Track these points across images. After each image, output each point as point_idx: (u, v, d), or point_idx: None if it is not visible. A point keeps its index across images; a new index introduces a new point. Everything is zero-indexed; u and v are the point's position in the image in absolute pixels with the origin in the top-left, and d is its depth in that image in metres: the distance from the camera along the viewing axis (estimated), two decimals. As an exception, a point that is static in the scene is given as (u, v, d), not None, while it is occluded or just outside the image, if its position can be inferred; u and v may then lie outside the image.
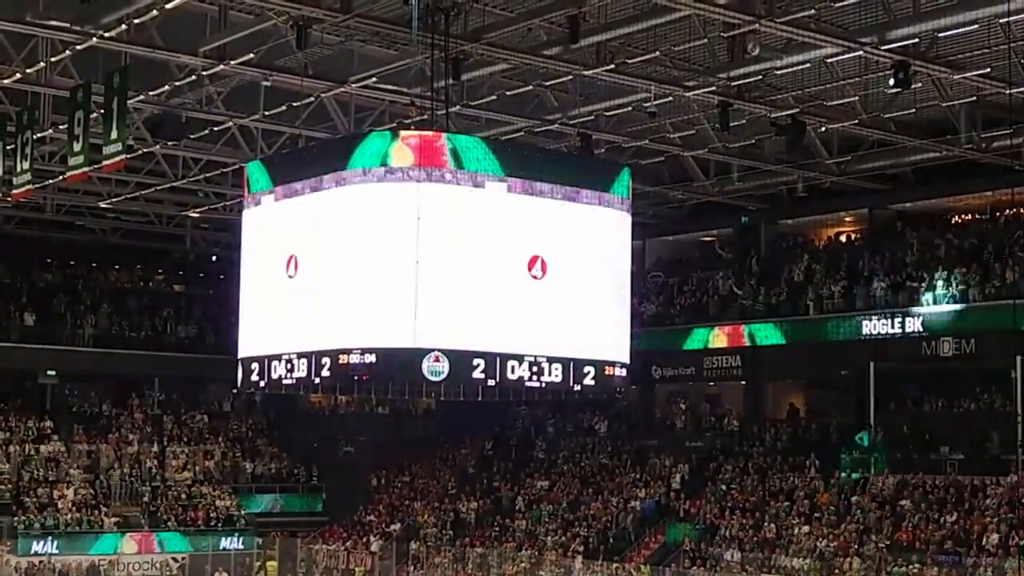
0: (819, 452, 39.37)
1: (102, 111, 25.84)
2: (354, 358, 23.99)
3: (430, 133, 24.84)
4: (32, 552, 41.97)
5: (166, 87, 29.81)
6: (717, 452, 42.37)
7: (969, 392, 37.89)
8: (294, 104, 30.90)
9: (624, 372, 26.36)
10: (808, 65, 27.81)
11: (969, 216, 41.16)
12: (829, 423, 41.24)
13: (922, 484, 36.00)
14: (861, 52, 26.33)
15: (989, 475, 35.08)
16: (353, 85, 29.48)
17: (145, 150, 34.86)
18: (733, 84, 29.05)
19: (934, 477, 36.16)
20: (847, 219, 43.87)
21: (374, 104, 32.32)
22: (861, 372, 39.47)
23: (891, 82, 26.72)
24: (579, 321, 25.33)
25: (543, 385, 25.05)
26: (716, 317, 43.01)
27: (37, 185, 32.22)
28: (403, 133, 24.70)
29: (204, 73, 28.63)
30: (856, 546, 34.60)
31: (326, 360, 24.52)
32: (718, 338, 42.63)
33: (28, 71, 28.43)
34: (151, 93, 30.08)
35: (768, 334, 41.21)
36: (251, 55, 27.44)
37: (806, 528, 36.21)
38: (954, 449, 36.65)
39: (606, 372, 25.92)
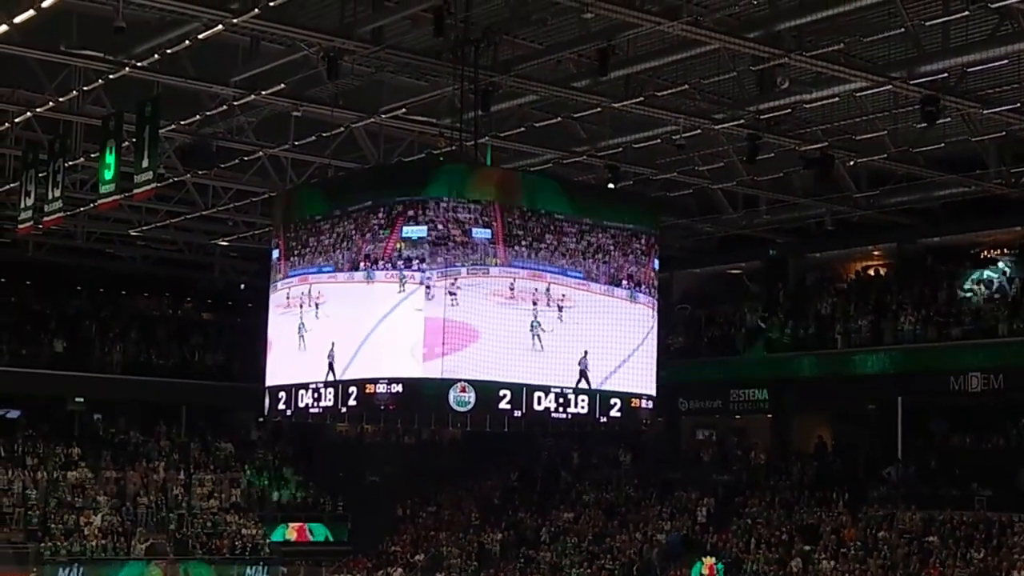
0: (846, 486, 39.13)
1: (134, 140, 25.99)
2: (381, 388, 24.07)
3: (509, 171, 25.57)
4: (58, 579, 42.08)
5: (197, 117, 29.94)
6: (743, 485, 42.16)
7: (998, 427, 37.62)
8: (324, 134, 31.02)
9: (650, 404, 26.38)
10: (837, 99, 27.76)
11: (998, 251, 40.95)
12: (856, 457, 40.99)
13: (950, 520, 35.71)
14: (890, 86, 26.28)
15: (1017, 511, 34.77)
16: (383, 116, 29.57)
17: (176, 179, 34.99)
18: (762, 117, 29.01)
19: (962, 513, 35.86)
20: (875, 253, 43.70)
21: (403, 135, 32.41)
22: (889, 406, 39.25)
23: (920, 118, 26.70)
24: (606, 353, 25.43)
25: (569, 416, 25.11)
26: (742, 351, 42.82)
27: (68, 213, 32.39)
28: (483, 167, 25.42)
29: (235, 103, 28.77)
30: (883, 582, 34.36)
31: (353, 389, 24.64)
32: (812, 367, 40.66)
33: (61, 100, 28.62)
34: (182, 122, 30.23)
35: (873, 361, 38.90)
36: (282, 85, 27.57)
37: (832, 564, 35.95)
38: (982, 485, 36.37)
39: (632, 404, 25.95)
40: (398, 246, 23.89)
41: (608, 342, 25.86)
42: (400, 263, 23.87)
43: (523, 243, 24.96)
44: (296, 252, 26.48)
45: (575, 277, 25.54)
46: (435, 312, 23.78)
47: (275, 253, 27.28)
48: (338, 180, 31.24)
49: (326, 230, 25.72)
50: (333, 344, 24.92)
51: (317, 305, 25.36)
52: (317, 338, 25.65)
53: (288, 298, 26.51)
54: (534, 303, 24.88)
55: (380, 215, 24.38)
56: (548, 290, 25.10)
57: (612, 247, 26.09)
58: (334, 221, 25.46)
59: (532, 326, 24.54)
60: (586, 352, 25.47)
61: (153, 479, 47.74)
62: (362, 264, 24.53)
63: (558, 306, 25.26)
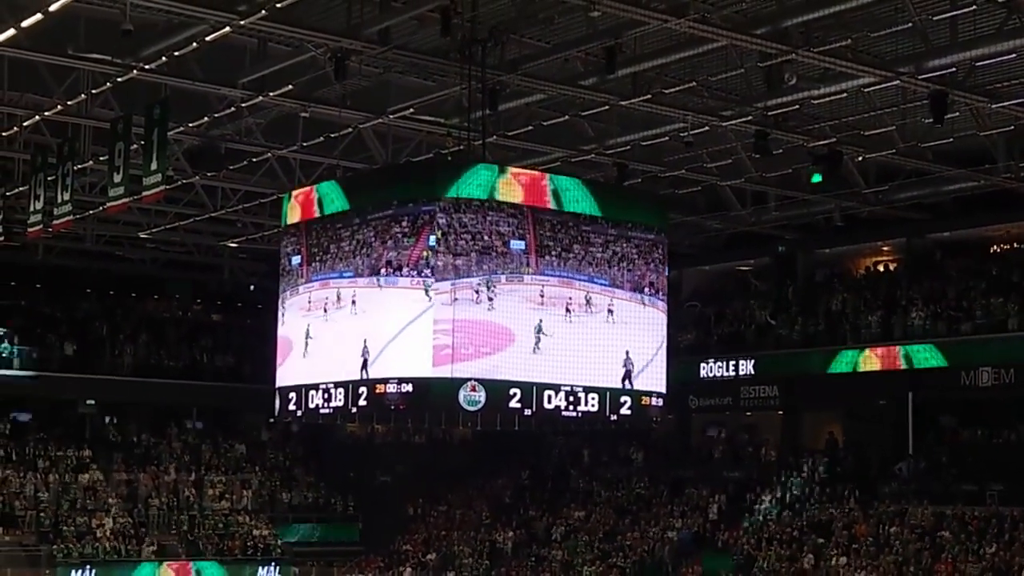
0: (857, 482, 39.09)
1: (142, 142, 26.03)
2: (391, 388, 24.09)
3: (536, 172, 25.63)
4: (70, 581, 42.16)
5: (205, 119, 29.97)
6: (754, 482, 42.13)
7: (1009, 422, 37.56)
8: (332, 135, 31.05)
9: (661, 402, 26.38)
10: (845, 95, 27.70)
11: (1008, 245, 40.88)
12: (867, 453, 40.95)
13: (961, 515, 35.66)
14: (898, 81, 26.24)
15: (1029, 506, 34.78)
16: (391, 116, 29.58)
17: (184, 181, 35.03)
18: (770, 114, 28.99)
19: (973, 508, 35.82)
20: (884, 249, 43.65)
21: (411, 135, 32.43)
22: (899, 402, 39.21)
23: (929, 113, 26.67)
24: (616, 351, 25.47)
25: (579, 415, 25.12)
26: (753, 347, 42.75)
27: (77, 216, 32.45)
28: (512, 169, 25.42)
29: (243, 105, 28.78)
30: (895, 578, 34.32)
31: (363, 389, 24.64)
32: (869, 360, 39.19)
33: (69, 103, 28.69)
34: (191, 125, 30.27)
35: (928, 356, 37.79)
36: (290, 87, 27.59)
37: (844, 560, 35.91)
38: (994, 480, 36.31)
39: (643, 402, 25.95)
40: (424, 254, 23.96)
41: (638, 345, 26.06)
42: (427, 271, 23.92)
43: (553, 253, 25.16)
44: (318, 258, 26.49)
45: (601, 284, 25.75)
46: (466, 314, 23.95)
47: (296, 259, 27.11)
48: (359, 178, 30.90)
49: (346, 237, 25.74)
50: (366, 341, 24.93)
51: (354, 302, 25.29)
52: (339, 339, 25.62)
53: (310, 301, 26.49)
54: (567, 310, 25.22)
55: (404, 223, 24.41)
56: (588, 298, 25.52)
57: (636, 256, 26.34)
58: (354, 228, 25.47)
59: (537, 328, 24.58)
60: (628, 352, 25.84)
61: (164, 481, 47.79)
62: (383, 270, 24.55)
63: (608, 309, 25.79)
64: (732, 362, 42.18)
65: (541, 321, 24.76)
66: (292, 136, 31.62)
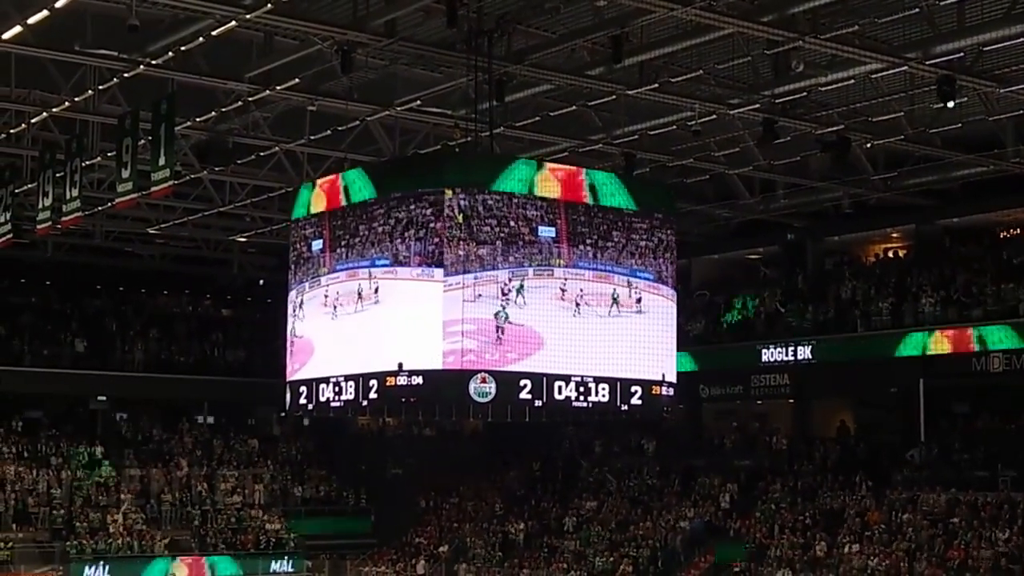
0: (869, 470, 39.06)
1: (150, 138, 26.04)
2: (401, 380, 24.08)
3: (573, 168, 25.64)
4: (84, 576, 42.28)
5: (213, 113, 29.97)
6: (766, 471, 42.12)
7: (1021, 408, 37.47)
8: (339, 128, 31.02)
9: (671, 391, 26.37)
10: (853, 81, 27.62)
11: (1017, 230, 40.77)
12: (879, 440, 40.89)
13: (974, 501, 35.62)
14: (906, 67, 26.16)
15: (1042, 492, 34.74)
16: (398, 108, 29.57)
17: (192, 176, 35.06)
18: (777, 101, 28.94)
19: (986, 494, 35.78)
20: (894, 235, 43.57)
21: (419, 127, 32.41)
22: (910, 389, 39.15)
23: (937, 98, 26.59)
24: (627, 341, 25.44)
25: (590, 405, 25.11)
26: (763, 335, 42.70)
27: (86, 212, 32.38)
28: (549, 164, 25.40)
29: (250, 99, 28.77)
30: (907, 565, 34.26)
31: (373, 382, 24.65)
32: (940, 343, 37.72)
33: (76, 99, 28.68)
34: (198, 119, 30.27)
35: (1003, 337, 36.39)
36: (296, 80, 27.58)
37: (856, 547, 35.90)
38: (1006, 466, 36.25)
39: (653, 391, 25.95)
40: (446, 236, 23.81)
41: (655, 334, 26.09)
42: (448, 261, 23.77)
43: (588, 241, 25.06)
44: (344, 243, 26.08)
45: (645, 279, 25.70)
46: (489, 315, 23.91)
47: (317, 244, 26.82)
48: (386, 166, 30.42)
49: (372, 224, 25.40)
50: (381, 333, 24.83)
51: (376, 290, 25.07)
52: (356, 331, 25.55)
53: (335, 295, 26.20)
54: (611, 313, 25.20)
55: (429, 212, 24.22)
56: (616, 295, 25.43)
57: (674, 244, 26.47)
58: (381, 216, 25.12)
59: (497, 315, 24.30)
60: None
61: (176, 476, 47.87)
62: (404, 259, 24.40)
63: (636, 300, 25.69)
64: (791, 347, 41.49)
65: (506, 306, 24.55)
66: (299, 130, 31.60)
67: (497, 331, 24.02)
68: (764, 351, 41.99)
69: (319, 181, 27.75)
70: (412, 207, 24.44)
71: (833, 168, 35.04)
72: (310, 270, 26.97)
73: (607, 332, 25.35)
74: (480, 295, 23.90)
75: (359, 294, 25.32)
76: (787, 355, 41.41)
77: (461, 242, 23.90)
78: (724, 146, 34.06)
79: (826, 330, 40.92)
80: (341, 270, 25.96)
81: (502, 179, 24.42)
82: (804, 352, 41.02)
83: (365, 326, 25.22)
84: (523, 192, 24.46)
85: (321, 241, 26.61)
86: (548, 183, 24.89)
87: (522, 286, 24.18)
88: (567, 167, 26.38)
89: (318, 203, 27.00)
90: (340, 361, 25.79)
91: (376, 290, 25.02)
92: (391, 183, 25.42)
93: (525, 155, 30.98)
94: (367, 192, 25.59)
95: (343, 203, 26.19)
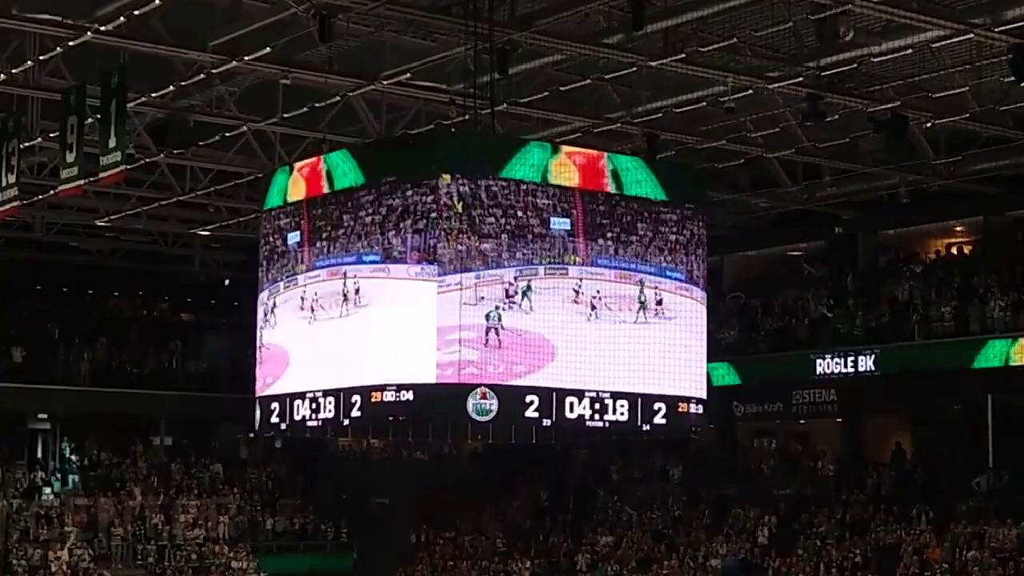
0: (929, 500, 39.06)
1: (98, 116, 26.06)
2: (388, 396, 24.14)
3: (594, 152, 25.63)
4: (21, 623, 42.34)
5: (171, 88, 29.99)
6: (810, 501, 42.11)
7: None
8: (317, 105, 31.04)
9: (700, 409, 26.40)
10: (910, 51, 27.66)
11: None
12: (941, 466, 40.90)
13: (1050, 536, 35.69)
14: (972, 35, 26.17)
15: None
16: (384, 82, 29.60)
17: (147, 160, 35.10)
18: (823, 74, 28.94)
19: (1064, 528, 35.83)
20: (958, 228, 43.60)
21: (408, 103, 32.46)
22: (977, 406, 39.13)
23: (1008, 71, 26.59)
24: (650, 351, 25.48)
25: (607, 425, 25.14)
26: (808, 343, 42.67)
27: (25, 202, 32.45)
28: (566, 148, 25.44)
29: (214, 71, 28.80)
30: (974, 609, 34.35)
31: (356, 398, 24.69)
32: (1020, 353, 37.04)
33: (14, 71, 28.69)
34: (154, 95, 30.28)
35: None
36: (267, 50, 27.60)
37: (915, 589, 35.98)
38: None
39: (679, 409, 25.98)
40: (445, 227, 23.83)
41: (682, 343, 26.18)
42: (446, 257, 23.78)
43: (609, 235, 25.05)
44: (326, 235, 26.08)
45: (675, 279, 25.74)
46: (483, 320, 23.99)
47: (294, 237, 26.89)
48: (376, 147, 30.28)
49: (359, 215, 25.37)
50: (365, 341, 24.85)
51: (358, 291, 25.02)
52: (337, 339, 25.56)
53: (304, 298, 26.21)
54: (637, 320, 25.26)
55: (428, 201, 24.20)
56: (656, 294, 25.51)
57: (705, 239, 26.53)
58: (382, 191, 25.02)
59: (489, 316, 24.26)
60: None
61: (129, 506, 47.87)
62: (397, 256, 24.34)
63: (656, 301, 25.79)
64: (850, 357, 40.93)
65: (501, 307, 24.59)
66: (271, 107, 31.63)
67: (488, 335, 23.99)
68: (819, 361, 41.69)
69: (297, 165, 27.81)
70: (409, 193, 24.42)
71: (888, 151, 35.05)
72: (285, 267, 26.99)
73: (627, 340, 25.42)
74: (482, 297, 23.92)
75: (343, 295, 25.35)
76: (846, 366, 41.07)
77: (460, 235, 23.92)
78: (762, 126, 34.09)
79: (880, 338, 40.90)
80: (322, 267, 25.96)
81: (512, 165, 24.44)
82: (866, 363, 40.46)
83: (348, 333, 25.27)
84: (536, 180, 24.48)
85: (299, 233, 26.60)
86: (564, 169, 24.94)
87: (529, 287, 24.20)
88: (586, 151, 26.42)
89: (296, 190, 27.01)
90: (318, 373, 25.83)
91: (358, 291, 25.05)
92: (382, 167, 25.42)
93: (534, 136, 31.02)
94: (353, 177, 25.61)
95: (325, 189, 26.22)
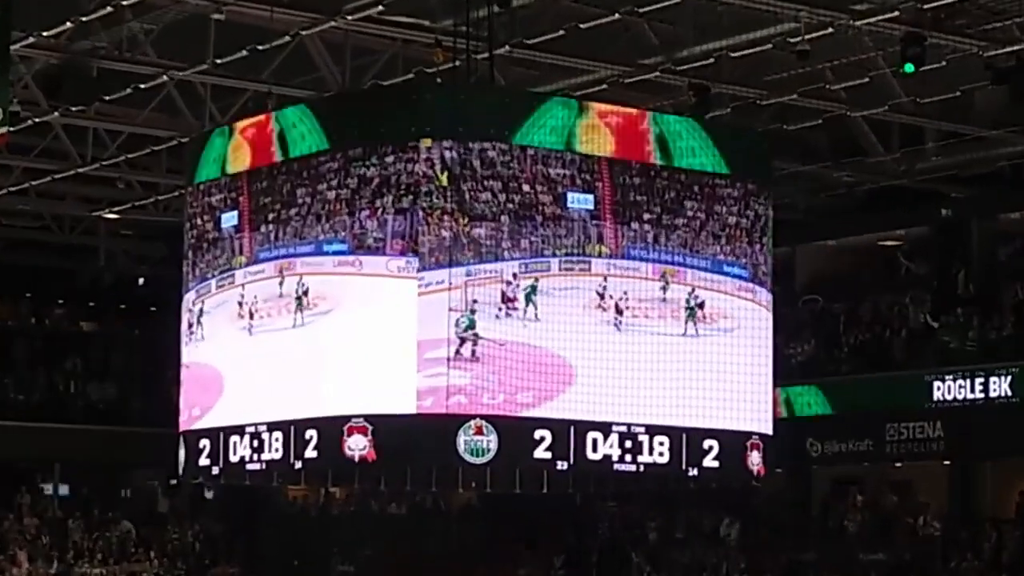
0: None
1: (-28, 62, 26.14)
2: (354, 431, 24.14)
3: (634, 111, 25.49)
4: None
5: (68, 24, 30.07)
6: (908, 569, 42.17)
7: None
8: (260, 47, 31.08)
9: (763, 448, 26.41)
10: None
11: None
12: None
13: None
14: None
15: None
16: (349, 17, 29.64)
17: (37, 119, 35.16)
18: (925, 7, 28.98)
19: None
20: (1103, 211, 43.78)
21: (380, 46, 32.50)
22: None
23: None
24: (697, 373, 25.46)
25: (641, 469, 25.14)
26: (904, 362, 42.73)
27: None
28: (597, 106, 25.22)
29: (124, 2, 28.87)
30: None
31: (312, 434, 24.68)
32: None
33: None
34: (46, 34, 30.36)
35: None
36: (194, -26, 27.74)
37: None
38: None
39: (737, 449, 25.98)
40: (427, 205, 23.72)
41: (743, 366, 26.16)
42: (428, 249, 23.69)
43: (647, 217, 25.05)
44: (273, 216, 25.55)
45: (737, 276, 25.73)
46: (492, 331, 23.88)
47: (228, 218, 26.28)
48: (345, 101, 29.87)
49: (331, 174, 24.76)
50: (324, 359, 24.82)
51: (306, 292, 24.94)
52: (285, 356, 25.57)
53: (241, 302, 26.09)
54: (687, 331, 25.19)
55: (410, 171, 23.95)
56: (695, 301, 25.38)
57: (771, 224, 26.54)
58: (350, 159, 24.46)
59: (458, 324, 24.11)
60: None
61: (13, 575, 48.01)
62: (395, 245, 24.14)
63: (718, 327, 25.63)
64: (979, 378, 40.54)
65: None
66: (199, 50, 31.71)
67: (461, 349, 23.91)
68: (936, 384, 41.87)
69: (239, 125, 27.40)
70: (390, 160, 24.14)
71: (1011, 109, 35.08)
72: (217, 260, 26.70)
73: (669, 358, 25.38)
74: (475, 301, 23.87)
75: (296, 298, 25.21)
76: (973, 391, 41.18)
77: (444, 217, 23.80)
78: (845, 75, 34.12)
79: (997, 354, 40.92)
80: (267, 259, 25.77)
81: (527, 129, 24.31)
82: (1000, 386, 40.31)
83: (302, 348, 25.24)
84: (559, 148, 24.34)
85: (236, 214, 26.27)
86: (596, 135, 24.69)
87: (534, 288, 24.10)
88: (624, 109, 26.09)
89: (238, 157, 26.61)
90: (262, 402, 25.83)
91: (310, 292, 24.95)
92: (352, 127, 25.21)
93: (549, 89, 31.09)
94: (314, 140, 25.36)
95: (277, 157, 25.98)
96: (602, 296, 24.63)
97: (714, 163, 25.49)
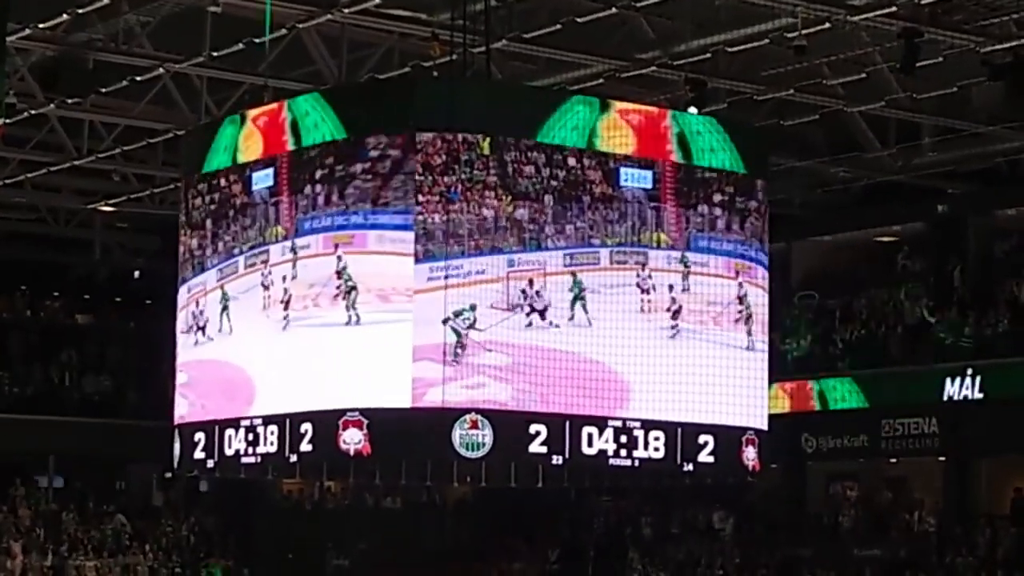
0: (1060, 564, 39.24)
1: (-32, 54, 26.10)
2: (349, 424, 24.11)
3: (654, 110, 25.36)
4: None
5: (65, 17, 30.06)
6: (903, 566, 42.17)
7: None
8: (256, 41, 31.05)
9: (759, 444, 26.40)
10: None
11: None
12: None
13: None
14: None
15: None
16: (346, 10, 29.63)
17: (33, 112, 35.13)
18: (923, 2, 28.97)
19: None
20: (1101, 208, 43.75)
21: (376, 39, 32.49)
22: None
23: None
24: (692, 365, 25.45)
25: (636, 464, 25.12)
26: (903, 356, 42.71)
27: None
28: (618, 104, 24.96)
29: (121, -5, 28.92)
30: None
31: (307, 427, 24.64)
32: None
33: None
34: (42, 26, 30.34)
35: None
36: (191, -33, 27.72)
37: None
38: None
39: (732, 444, 25.98)
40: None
41: (739, 359, 26.07)
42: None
43: (701, 206, 24.83)
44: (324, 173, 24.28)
45: (756, 261, 25.71)
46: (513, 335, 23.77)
47: (261, 177, 25.22)
48: (361, 89, 29.66)
49: (331, 180, 23.99)
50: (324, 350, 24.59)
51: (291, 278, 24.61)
52: (285, 345, 25.39)
53: (264, 283, 25.87)
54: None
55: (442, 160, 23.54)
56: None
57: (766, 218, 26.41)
58: (344, 169, 23.77)
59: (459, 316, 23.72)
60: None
61: (7, 568, 47.97)
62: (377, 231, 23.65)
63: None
64: (977, 377, 40.89)
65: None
66: (196, 42, 31.69)
67: (456, 349, 23.68)
68: (948, 382, 41.78)
69: (251, 113, 26.98)
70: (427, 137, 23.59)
71: (1007, 105, 35.07)
72: (247, 232, 25.67)
73: (663, 350, 25.37)
74: (525, 291, 23.69)
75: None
76: (973, 389, 41.18)
77: (486, 193, 23.33)
78: (842, 70, 34.14)
79: (993, 351, 40.94)
80: (315, 231, 25.04)
81: (549, 127, 24.22)
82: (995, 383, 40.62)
83: (300, 340, 25.15)
84: (581, 146, 24.19)
85: (271, 172, 24.92)
86: (617, 133, 24.58)
87: (581, 293, 23.87)
88: (645, 108, 26.05)
89: (250, 146, 26.32)
90: (258, 394, 25.77)
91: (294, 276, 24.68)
92: (365, 117, 24.86)
93: (548, 82, 31.06)
94: (328, 129, 24.98)
95: (289, 146, 25.70)
96: (648, 292, 24.42)
97: (733, 162, 25.40)
